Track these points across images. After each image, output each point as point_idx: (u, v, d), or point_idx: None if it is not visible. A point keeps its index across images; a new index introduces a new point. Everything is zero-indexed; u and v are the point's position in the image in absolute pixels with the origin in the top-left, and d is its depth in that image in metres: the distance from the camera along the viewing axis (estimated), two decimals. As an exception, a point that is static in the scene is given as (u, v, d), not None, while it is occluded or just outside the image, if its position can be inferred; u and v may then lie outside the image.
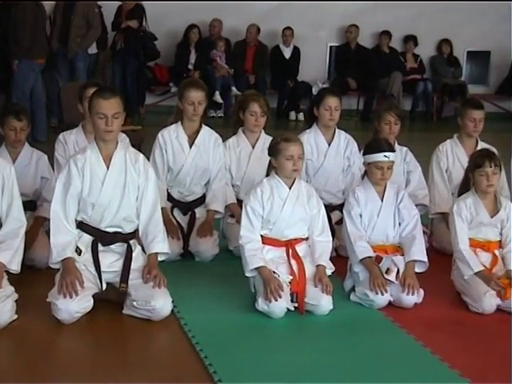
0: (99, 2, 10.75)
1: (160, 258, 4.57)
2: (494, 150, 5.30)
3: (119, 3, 11.48)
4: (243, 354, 4.02)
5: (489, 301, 4.64)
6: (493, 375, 3.89)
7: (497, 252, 4.88)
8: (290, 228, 4.72)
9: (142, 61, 11.67)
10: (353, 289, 4.86)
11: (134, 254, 4.51)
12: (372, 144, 5.00)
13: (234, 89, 12.21)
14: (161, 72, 12.50)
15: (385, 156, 4.83)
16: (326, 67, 13.50)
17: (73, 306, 4.25)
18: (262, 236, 4.70)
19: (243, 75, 12.57)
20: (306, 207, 4.75)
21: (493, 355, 4.14)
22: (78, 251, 4.46)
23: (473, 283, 4.74)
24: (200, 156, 5.61)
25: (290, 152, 4.63)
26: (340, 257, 5.41)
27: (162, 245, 4.55)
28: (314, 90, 12.11)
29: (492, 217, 4.87)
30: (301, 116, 12.26)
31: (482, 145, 5.91)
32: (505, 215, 4.88)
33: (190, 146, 5.61)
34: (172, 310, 4.42)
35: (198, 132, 5.62)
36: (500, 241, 4.90)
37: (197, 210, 5.66)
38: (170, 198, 5.65)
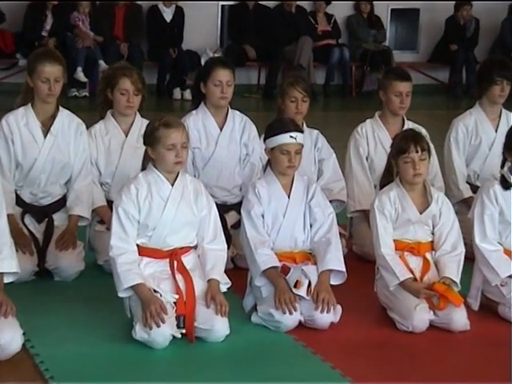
0: None
1: (7, 280, 4.50)
2: (422, 130, 5.43)
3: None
4: (118, 397, 4.02)
5: (420, 316, 4.75)
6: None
7: (428, 255, 5.00)
8: (174, 234, 4.74)
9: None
10: (254, 308, 4.91)
11: (-28, 276, 4.44)
12: (274, 124, 5.05)
13: (101, 62, 12.14)
14: (4, 40, 12.31)
15: (291, 137, 4.89)
16: (218, 32, 13.61)
17: None
18: (138, 246, 4.70)
19: (113, 44, 12.52)
20: (194, 208, 4.77)
21: (423, 383, 4.24)
22: None
23: (400, 295, 4.85)
24: (58, 147, 5.59)
25: (170, 140, 4.65)
26: (238, 268, 5.48)
27: (8, 262, 4.48)
28: (203, 61, 12.16)
29: (421, 213, 4.99)
30: (188, 94, 12.30)
31: (409, 124, 6.05)
32: (437, 210, 5.01)
33: (45, 135, 5.57)
34: (23, 345, 4.37)
35: (54, 117, 5.60)
36: (432, 241, 5.03)
37: (55, 216, 5.63)
38: (19, 201, 5.59)
